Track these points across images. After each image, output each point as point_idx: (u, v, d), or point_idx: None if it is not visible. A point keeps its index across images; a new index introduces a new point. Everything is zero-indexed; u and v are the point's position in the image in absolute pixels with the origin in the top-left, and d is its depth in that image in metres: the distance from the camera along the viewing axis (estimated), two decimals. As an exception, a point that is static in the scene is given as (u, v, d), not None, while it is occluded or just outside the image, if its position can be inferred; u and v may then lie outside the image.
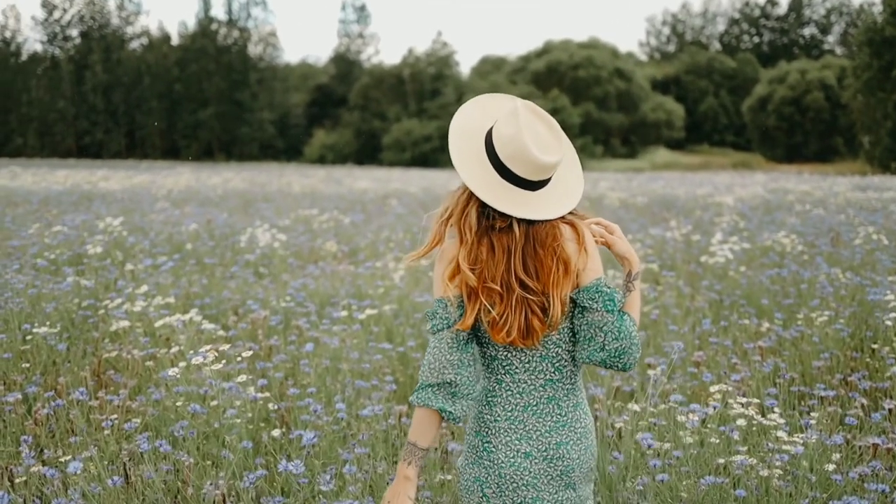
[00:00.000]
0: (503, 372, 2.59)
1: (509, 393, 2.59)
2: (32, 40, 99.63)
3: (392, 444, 4.70)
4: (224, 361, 4.84)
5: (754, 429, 4.46)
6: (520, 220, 2.49)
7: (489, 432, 2.60)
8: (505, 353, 2.58)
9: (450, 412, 2.52)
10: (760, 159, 61.61)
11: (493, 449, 2.58)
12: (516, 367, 2.58)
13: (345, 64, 75.07)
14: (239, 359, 5.36)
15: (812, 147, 62.04)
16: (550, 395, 2.58)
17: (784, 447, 3.99)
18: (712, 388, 4.57)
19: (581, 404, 2.63)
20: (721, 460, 4.09)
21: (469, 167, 2.50)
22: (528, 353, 2.56)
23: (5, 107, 69.85)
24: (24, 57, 74.04)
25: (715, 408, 4.41)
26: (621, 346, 2.50)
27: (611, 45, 69.69)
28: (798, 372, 5.94)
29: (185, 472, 4.14)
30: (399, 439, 4.73)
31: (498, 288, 2.49)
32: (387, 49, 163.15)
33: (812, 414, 4.59)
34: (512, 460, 2.56)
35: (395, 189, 24.23)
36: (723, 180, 31.90)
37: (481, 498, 2.60)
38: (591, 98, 63.51)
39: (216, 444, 4.60)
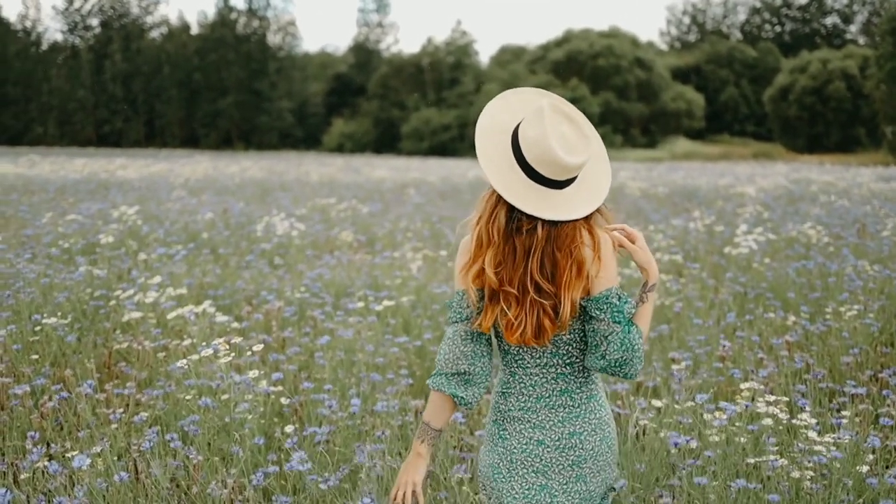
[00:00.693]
0: (516, 366, 2.66)
1: (522, 385, 2.65)
2: (53, 30, 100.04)
3: (408, 440, 4.57)
4: (234, 354, 4.73)
5: (782, 427, 4.31)
6: (545, 222, 2.48)
7: (504, 420, 2.68)
8: (517, 348, 2.64)
9: (462, 398, 2.64)
10: (781, 149, 60.98)
11: (508, 436, 2.66)
12: (527, 362, 2.64)
13: (364, 53, 74.93)
14: (249, 353, 5.23)
15: (834, 137, 61.34)
16: (563, 387, 2.63)
17: (815, 447, 3.84)
18: (742, 386, 4.41)
19: (596, 396, 2.66)
20: (751, 460, 3.94)
21: (496, 169, 2.50)
22: (538, 349, 2.61)
23: (26, 96, 70.20)
24: (44, 46, 74.42)
25: (747, 406, 4.25)
26: (623, 357, 2.50)
27: (631, 34, 69.05)
28: (826, 368, 5.77)
29: (193, 470, 4.02)
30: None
31: (514, 291, 2.51)
32: (406, 38, 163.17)
33: (843, 412, 4.42)
34: (524, 447, 2.63)
35: (414, 178, 24.08)
36: (744, 170, 31.59)
37: (494, 484, 2.66)
38: (610, 87, 63.07)
39: (227, 439, 4.47)
